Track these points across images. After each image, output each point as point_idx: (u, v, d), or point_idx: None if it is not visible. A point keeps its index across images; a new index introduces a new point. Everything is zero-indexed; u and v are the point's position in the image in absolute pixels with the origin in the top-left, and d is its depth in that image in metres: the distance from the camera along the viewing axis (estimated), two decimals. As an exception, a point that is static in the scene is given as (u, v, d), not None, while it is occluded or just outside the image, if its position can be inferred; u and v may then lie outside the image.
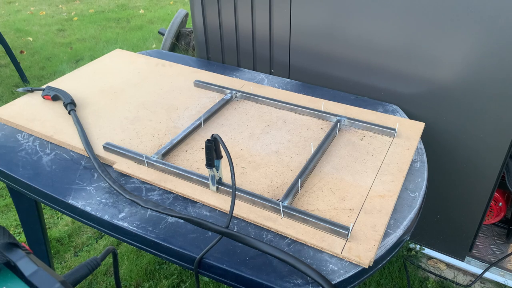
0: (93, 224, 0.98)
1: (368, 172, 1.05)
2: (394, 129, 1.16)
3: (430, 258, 1.74)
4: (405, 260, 1.72)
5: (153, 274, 1.74)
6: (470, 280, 1.65)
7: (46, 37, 4.11)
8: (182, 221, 0.93)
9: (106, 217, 0.95)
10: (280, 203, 0.92)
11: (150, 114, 1.29)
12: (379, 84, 1.40)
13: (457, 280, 1.65)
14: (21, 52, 3.78)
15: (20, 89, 1.40)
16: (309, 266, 0.75)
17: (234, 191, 0.87)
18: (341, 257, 0.84)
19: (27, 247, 0.56)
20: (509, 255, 1.66)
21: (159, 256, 0.93)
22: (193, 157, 1.12)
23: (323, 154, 1.11)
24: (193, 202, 0.99)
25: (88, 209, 0.97)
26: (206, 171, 1.05)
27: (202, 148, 1.14)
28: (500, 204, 1.67)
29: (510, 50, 1.15)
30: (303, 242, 0.87)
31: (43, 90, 1.36)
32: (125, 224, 0.93)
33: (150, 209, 0.91)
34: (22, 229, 1.62)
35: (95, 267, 0.64)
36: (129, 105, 1.34)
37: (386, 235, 0.90)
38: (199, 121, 1.23)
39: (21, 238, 1.88)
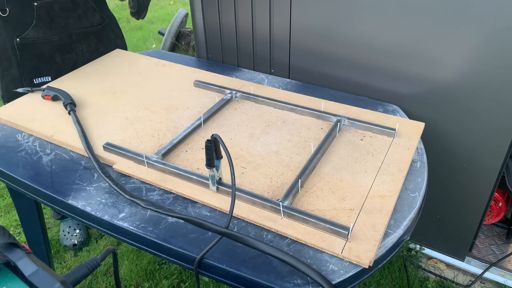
0: (93, 224, 0.98)
1: (368, 172, 1.05)
2: (394, 129, 1.16)
3: (430, 258, 1.74)
4: (405, 260, 1.72)
5: (153, 274, 1.74)
6: (470, 280, 1.65)
7: (46, 37, 4.10)
8: (182, 221, 0.93)
9: (106, 217, 0.95)
10: (280, 203, 0.92)
11: (150, 114, 1.29)
12: (379, 84, 1.40)
13: (457, 280, 1.65)
14: (21, 52, 3.77)
15: (20, 89, 1.40)
16: (309, 266, 0.75)
17: (234, 191, 0.87)
18: (341, 257, 0.84)
19: (27, 247, 0.56)
20: (509, 255, 1.66)
21: (159, 256, 0.93)
22: (193, 157, 1.12)
23: (323, 154, 1.11)
24: (193, 202, 0.99)
25: (88, 209, 0.97)
26: (206, 171, 1.04)
27: (202, 148, 1.14)
28: (500, 204, 1.67)
29: (510, 50, 1.15)
30: (303, 242, 0.87)
31: (43, 90, 1.36)
32: (125, 224, 0.93)
33: (150, 209, 0.91)
34: (22, 229, 1.62)
35: (95, 267, 0.64)
36: (129, 105, 1.34)
37: (386, 235, 0.90)
38: (199, 121, 1.23)
39: (21, 238, 1.88)
